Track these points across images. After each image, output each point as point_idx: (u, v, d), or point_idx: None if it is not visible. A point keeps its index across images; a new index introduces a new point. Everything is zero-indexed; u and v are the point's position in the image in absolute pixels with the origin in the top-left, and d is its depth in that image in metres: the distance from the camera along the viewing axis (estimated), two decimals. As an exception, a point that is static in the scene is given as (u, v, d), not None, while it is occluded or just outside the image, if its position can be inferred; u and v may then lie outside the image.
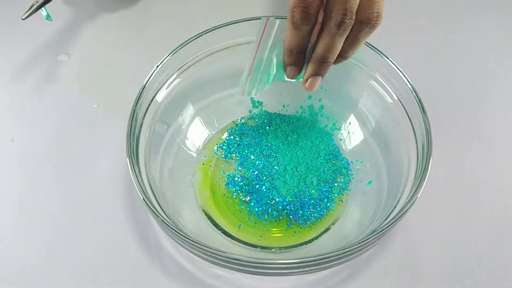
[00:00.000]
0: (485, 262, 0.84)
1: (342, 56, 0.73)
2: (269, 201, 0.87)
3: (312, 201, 0.87)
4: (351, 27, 0.67)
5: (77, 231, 0.87)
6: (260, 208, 0.86)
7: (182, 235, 0.68)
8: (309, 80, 0.74)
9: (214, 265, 0.77)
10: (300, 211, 0.86)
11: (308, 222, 0.85)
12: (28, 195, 0.91)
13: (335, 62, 0.74)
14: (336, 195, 0.88)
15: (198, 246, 0.68)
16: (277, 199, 0.87)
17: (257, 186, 0.88)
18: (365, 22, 0.67)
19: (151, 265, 0.83)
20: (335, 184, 0.89)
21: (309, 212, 0.86)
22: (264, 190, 0.88)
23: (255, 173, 0.90)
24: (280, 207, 0.86)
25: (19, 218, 0.88)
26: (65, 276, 0.83)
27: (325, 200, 0.87)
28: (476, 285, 0.82)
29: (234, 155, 0.93)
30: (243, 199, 0.88)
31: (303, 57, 0.75)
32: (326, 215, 0.87)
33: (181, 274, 0.82)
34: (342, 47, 0.71)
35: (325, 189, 0.88)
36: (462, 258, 0.84)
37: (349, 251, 0.68)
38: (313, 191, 0.87)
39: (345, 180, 0.90)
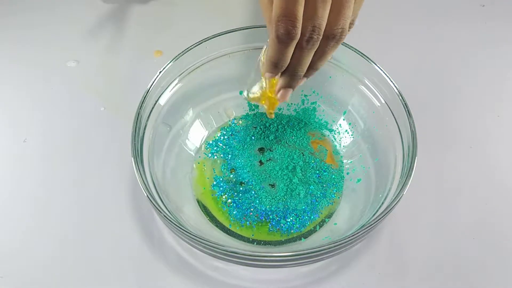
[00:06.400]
0: (466, 255, 0.84)
1: (312, 68, 0.72)
2: (248, 207, 0.86)
3: (296, 212, 0.86)
4: (318, 43, 0.66)
5: (85, 227, 0.87)
6: (239, 213, 0.86)
7: (183, 230, 0.69)
8: (280, 92, 0.74)
9: (213, 258, 0.77)
10: (283, 221, 0.85)
11: (291, 231, 0.85)
12: (40, 191, 0.91)
13: (307, 74, 0.73)
14: (322, 207, 0.88)
15: (199, 240, 0.68)
16: (257, 207, 0.86)
17: (240, 192, 0.88)
18: (331, 37, 0.66)
19: (154, 258, 0.83)
20: (324, 195, 0.88)
21: (291, 223, 0.85)
22: (246, 196, 0.88)
23: (240, 177, 0.90)
24: (259, 214, 0.86)
25: (31, 214, 0.89)
26: (74, 267, 0.83)
27: (309, 212, 0.86)
28: (459, 276, 0.82)
29: (220, 155, 0.93)
30: (225, 201, 0.88)
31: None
32: (309, 224, 0.86)
33: (183, 266, 0.83)
34: (311, 60, 0.70)
35: (311, 201, 0.87)
36: (445, 251, 0.85)
37: (339, 244, 0.68)
38: (298, 204, 0.87)
39: (337, 189, 0.90)
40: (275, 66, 0.69)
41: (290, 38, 0.64)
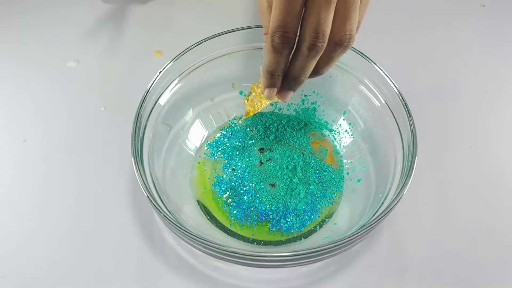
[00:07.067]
0: (466, 255, 0.84)
1: (316, 73, 0.71)
2: (249, 207, 0.86)
3: (296, 212, 0.86)
4: (323, 50, 0.65)
5: (86, 227, 0.87)
6: (239, 213, 0.86)
7: (183, 230, 0.69)
8: (281, 93, 0.74)
9: (213, 258, 0.77)
10: (283, 221, 0.85)
11: (292, 231, 0.85)
12: (40, 192, 0.91)
13: (310, 77, 0.72)
14: (322, 207, 0.88)
15: (199, 240, 0.68)
16: (258, 207, 0.86)
17: (241, 191, 0.88)
18: (338, 43, 0.65)
19: (154, 258, 0.84)
20: (324, 195, 0.88)
21: (291, 223, 0.85)
22: (247, 195, 0.88)
23: (240, 177, 0.90)
24: (259, 214, 0.86)
25: (31, 214, 0.89)
26: (74, 267, 0.83)
27: (309, 211, 0.86)
28: (459, 276, 0.82)
29: (220, 154, 0.93)
30: (226, 201, 0.88)
31: (281, 78, 0.72)
32: (309, 224, 0.86)
33: (183, 266, 0.83)
34: (316, 65, 0.69)
35: (311, 201, 0.87)
36: (445, 251, 0.85)
37: (339, 244, 0.68)
38: (298, 203, 0.87)
39: (337, 189, 0.90)
40: (271, 75, 0.70)
41: (284, 48, 0.65)
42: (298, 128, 0.96)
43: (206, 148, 0.94)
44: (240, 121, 0.97)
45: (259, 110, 0.83)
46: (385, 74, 0.84)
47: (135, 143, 0.77)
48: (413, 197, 0.86)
